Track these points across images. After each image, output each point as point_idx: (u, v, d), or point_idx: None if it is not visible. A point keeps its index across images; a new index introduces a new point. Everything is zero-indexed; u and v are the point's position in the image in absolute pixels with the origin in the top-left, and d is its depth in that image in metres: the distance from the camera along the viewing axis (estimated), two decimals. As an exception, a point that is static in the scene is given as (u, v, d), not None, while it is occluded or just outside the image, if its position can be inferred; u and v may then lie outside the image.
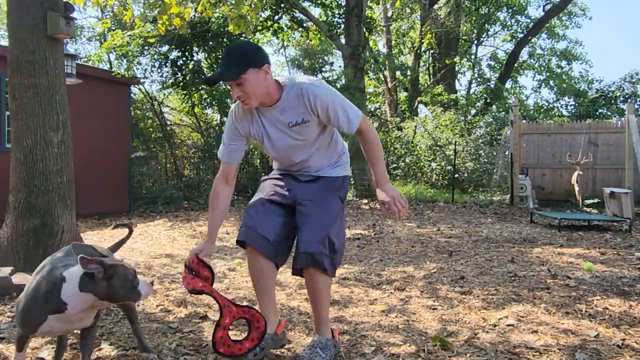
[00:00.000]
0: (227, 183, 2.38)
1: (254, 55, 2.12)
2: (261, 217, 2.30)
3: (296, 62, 7.77)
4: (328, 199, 2.31)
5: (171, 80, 11.87)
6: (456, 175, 11.93)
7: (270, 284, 2.35)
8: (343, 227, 2.34)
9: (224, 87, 12.30)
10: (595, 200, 9.84)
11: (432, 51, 18.02)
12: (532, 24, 17.98)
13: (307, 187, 2.36)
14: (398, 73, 18.68)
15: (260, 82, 2.11)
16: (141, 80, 11.26)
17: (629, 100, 16.18)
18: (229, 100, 12.27)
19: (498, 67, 19.79)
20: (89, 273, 1.72)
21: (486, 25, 19.43)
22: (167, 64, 11.70)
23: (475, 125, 14.48)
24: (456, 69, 18.77)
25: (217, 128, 13.23)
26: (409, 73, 17.63)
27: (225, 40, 11.68)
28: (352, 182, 10.94)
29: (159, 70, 11.84)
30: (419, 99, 17.32)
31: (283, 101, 2.19)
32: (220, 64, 2.14)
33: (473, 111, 16.62)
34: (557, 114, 18.13)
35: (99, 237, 6.28)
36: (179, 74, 11.69)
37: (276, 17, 12.41)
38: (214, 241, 2.37)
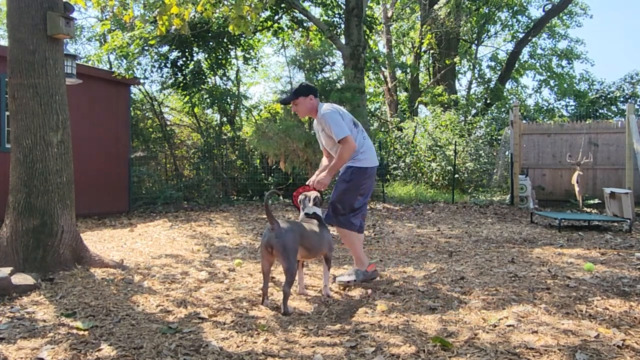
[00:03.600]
0: (328, 157, 3.95)
1: (305, 90, 3.81)
2: None
3: (296, 63, 7.74)
4: (337, 183, 3.87)
5: (171, 81, 11.87)
6: (456, 176, 11.93)
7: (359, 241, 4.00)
8: (347, 198, 3.79)
9: (224, 88, 12.54)
10: (596, 201, 9.83)
11: (432, 51, 18.00)
12: (532, 23, 17.96)
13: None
14: (398, 73, 18.66)
15: (305, 104, 3.81)
16: (141, 81, 11.26)
17: (629, 100, 16.19)
18: (229, 99, 12.36)
19: (498, 68, 19.77)
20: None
21: (487, 25, 19.41)
22: (167, 65, 11.70)
23: (475, 125, 14.47)
24: (456, 69, 18.76)
25: (216, 128, 13.23)
26: (409, 70, 17.61)
27: (225, 40, 11.69)
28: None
29: (159, 71, 11.85)
30: (419, 99, 17.31)
31: (317, 117, 3.85)
32: (288, 93, 3.94)
33: (473, 111, 16.61)
34: (557, 115, 18.12)
35: (98, 237, 6.27)
36: (179, 74, 11.70)
37: (276, 17, 12.41)
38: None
